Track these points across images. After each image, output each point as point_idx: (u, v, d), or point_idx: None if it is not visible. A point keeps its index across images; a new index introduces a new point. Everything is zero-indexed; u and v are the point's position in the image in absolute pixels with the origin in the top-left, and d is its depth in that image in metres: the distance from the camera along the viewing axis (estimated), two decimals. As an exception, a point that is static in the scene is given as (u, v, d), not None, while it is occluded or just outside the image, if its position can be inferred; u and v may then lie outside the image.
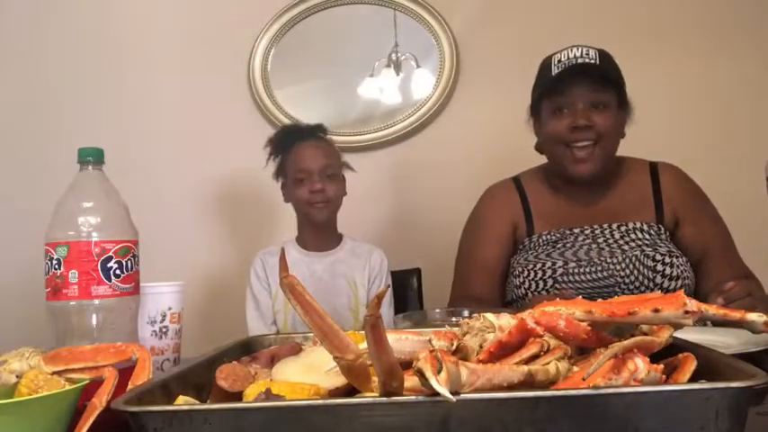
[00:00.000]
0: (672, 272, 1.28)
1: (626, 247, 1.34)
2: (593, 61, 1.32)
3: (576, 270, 1.33)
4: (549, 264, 1.35)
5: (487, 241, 1.47)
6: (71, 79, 2.30)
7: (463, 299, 1.43)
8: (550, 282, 1.33)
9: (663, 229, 1.38)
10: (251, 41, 2.25)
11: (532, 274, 1.35)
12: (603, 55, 1.35)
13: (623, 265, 1.31)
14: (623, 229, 1.37)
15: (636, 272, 1.30)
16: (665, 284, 1.28)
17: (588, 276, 1.32)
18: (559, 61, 1.35)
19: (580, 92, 1.32)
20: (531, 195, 1.48)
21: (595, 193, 1.43)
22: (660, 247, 1.33)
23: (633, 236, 1.36)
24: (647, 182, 1.43)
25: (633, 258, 1.31)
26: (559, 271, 1.33)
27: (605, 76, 1.32)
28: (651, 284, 1.29)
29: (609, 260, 1.32)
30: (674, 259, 1.30)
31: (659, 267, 1.29)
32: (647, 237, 1.36)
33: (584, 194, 1.43)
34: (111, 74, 2.30)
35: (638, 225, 1.37)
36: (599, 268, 1.32)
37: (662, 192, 1.42)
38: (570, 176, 1.38)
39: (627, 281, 1.30)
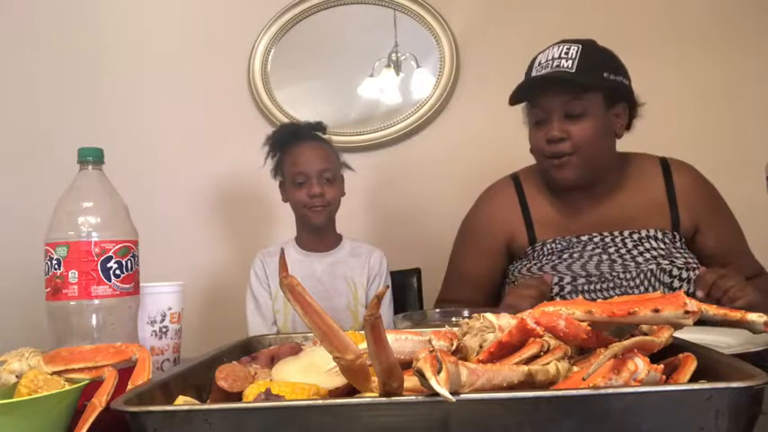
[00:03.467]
0: (689, 288, 1.21)
1: (640, 259, 1.26)
2: (569, 64, 1.23)
3: (585, 287, 1.26)
4: (555, 279, 1.27)
5: (479, 255, 1.41)
6: (71, 79, 2.30)
7: (447, 303, 1.39)
8: (557, 299, 1.24)
9: (678, 236, 1.31)
10: (251, 41, 2.24)
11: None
12: (586, 52, 1.25)
13: (637, 282, 1.24)
14: (636, 237, 1.29)
15: (651, 289, 1.24)
16: None
17: (599, 294, 1.25)
18: (539, 64, 1.27)
19: (552, 104, 1.25)
20: (530, 199, 1.40)
21: (603, 196, 1.34)
22: (677, 258, 1.26)
23: (647, 245, 1.28)
24: (659, 183, 1.35)
25: (648, 273, 1.25)
26: (567, 288, 1.26)
27: (580, 85, 1.23)
28: None
29: (622, 275, 1.26)
30: (692, 273, 1.23)
31: (675, 284, 1.23)
32: (662, 246, 1.28)
33: (589, 197, 1.34)
34: (112, 74, 2.30)
35: (652, 233, 1.29)
36: (611, 285, 1.25)
37: (677, 195, 1.33)
38: (554, 184, 1.33)
39: None
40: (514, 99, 1.31)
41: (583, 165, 1.27)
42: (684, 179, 1.35)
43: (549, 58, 1.26)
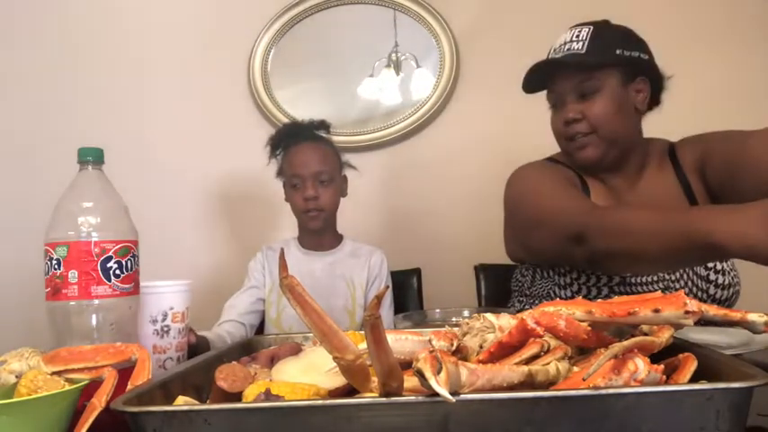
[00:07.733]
0: (724, 280, 1.24)
1: None
2: (579, 46, 1.25)
3: (632, 279, 1.25)
4: (605, 279, 1.25)
5: (560, 184, 1.29)
6: (71, 79, 2.30)
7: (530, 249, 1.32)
8: (605, 290, 1.25)
9: None
10: (251, 41, 2.25)
11: (584, 278, 1.26)
12: (597, 32, 1.27)
13: (677, 275, 1.25)
14: None
15: (690, 282, 1.25)
16: (719, 295, 1.24)
17: (645, 288, 1.25)
18: (553, 50, 1.31)
19: (564, 87, 1.28)
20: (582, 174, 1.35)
21: (634, 177, 1.33)
22: None
23: None
24: (668, 168, 1.33)
25: (687, 267, 1.25)
26: (616, 279, 1.24)
27: (587, 65, 1.24)
28: (704, 296, 1.23)
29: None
30: (725, 264, 1.25)
31: (712, 277, 1.24)
32: None
33: (623, 179, 1.33)
34: (112, 74, 2.30)
35: None
36: (655, 278, 1.25)
37: (686, 174, 1.31)
38: (579, 165, 1.32)
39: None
40: (529, 87, 1.33)
41: (605, 143, 1.27)
42: (685, 153, 1.34)
43: (561, 42, 1.29)
